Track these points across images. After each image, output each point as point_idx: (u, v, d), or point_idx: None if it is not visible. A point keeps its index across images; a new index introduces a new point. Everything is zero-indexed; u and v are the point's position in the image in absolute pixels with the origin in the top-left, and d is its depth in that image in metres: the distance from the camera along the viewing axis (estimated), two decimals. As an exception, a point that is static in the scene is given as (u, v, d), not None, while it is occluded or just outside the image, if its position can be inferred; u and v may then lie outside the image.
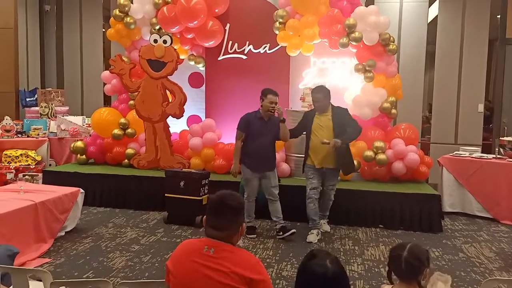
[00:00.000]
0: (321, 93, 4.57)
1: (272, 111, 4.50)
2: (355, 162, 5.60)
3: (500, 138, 5.92)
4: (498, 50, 7.42)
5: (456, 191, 5.76)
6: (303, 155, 4.77)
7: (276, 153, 5.35)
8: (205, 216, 1.98)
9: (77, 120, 7.23)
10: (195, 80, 6.74)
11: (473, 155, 5.84)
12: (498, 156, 5.73)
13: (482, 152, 6.28)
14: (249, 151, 4.60)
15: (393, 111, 5.87)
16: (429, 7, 7.25)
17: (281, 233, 4.66)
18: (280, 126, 4.60)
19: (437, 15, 7.27)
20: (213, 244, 1.90)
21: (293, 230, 4.64)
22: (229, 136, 6.17)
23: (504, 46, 7.27)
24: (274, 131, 4.61)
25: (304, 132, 4.75)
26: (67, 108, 7.65)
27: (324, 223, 4.95)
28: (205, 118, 6.44)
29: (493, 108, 7.68)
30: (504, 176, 5.41)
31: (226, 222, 1.92)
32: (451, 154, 6.01)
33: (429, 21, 7.31)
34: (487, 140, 7.51)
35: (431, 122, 7.52)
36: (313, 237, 4.63)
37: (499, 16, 7.27)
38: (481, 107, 7.17)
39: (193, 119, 6.63)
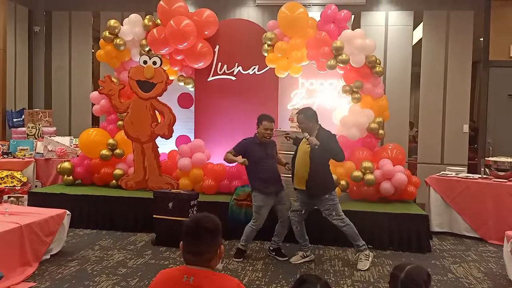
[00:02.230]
0: (302, 114, 4.50)
1: (268, 137, 4.60)
2: (344, 182, 5.65)
3: (486, 158, 6.01)
4: (482, 72, 7.61)
5: (443, 211, 5.81)
6: (287, 175, 4.80)
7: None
8: (181, 242, 1.92)
9: (65, 140, 7.16)
10: (184, 100, 6.76)
11: (460, 175, 5.92)
12: (484, 176, 5.81)
13: (468, 172, 6.36)
14: (260, 176, 4.58)
15: (381, 131, 5.95)
16: (413, 30, 7.44)
17: (273, 253, 4.72)
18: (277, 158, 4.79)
19: (421, 38, 7.46)
20: (192, 272, 1.86)
21: (285, 258, 4.64)
22: (218, 156, 6.16)
23: (487, 68, 7.46)
24: (272, 152, 4.75)
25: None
26: (54, 128, 7.59)
27: (360, 259, 4.45)
28: (194, 138, 6.44)
29: (478, 128, 7.83)
30: (490, 196, 5.48)
31: (203, 246, 1.87)
32: (438, 174, 6.08)
33: (413, 43, 7.49)
34: (473, 160, 7.62)
35: (417, 141, 7.62)
36: (295, 258, 4.62)
37: (482, 39, 7.48)
38: (466, 128, 7.31)
39: (182, 140, 6.62)
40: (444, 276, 4.31)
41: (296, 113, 4.70)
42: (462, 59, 7.25)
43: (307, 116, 4.48)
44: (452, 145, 7.30)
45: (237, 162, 4.72)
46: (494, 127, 7.45)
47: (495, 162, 5.70)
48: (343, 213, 4.51)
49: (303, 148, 4.51)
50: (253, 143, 4.65)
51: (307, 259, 4.64)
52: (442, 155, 7.35)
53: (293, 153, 4.70)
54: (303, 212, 4.59)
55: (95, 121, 8.12)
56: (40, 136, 7.34)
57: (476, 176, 5.91)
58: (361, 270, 4.38)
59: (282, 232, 4.72)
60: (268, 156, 4.67)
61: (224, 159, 4.73)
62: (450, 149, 7.31)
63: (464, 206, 5.65)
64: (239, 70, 6.41)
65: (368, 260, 4.46)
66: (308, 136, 4.36)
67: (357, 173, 5.62)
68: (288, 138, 4.74)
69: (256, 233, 4.67)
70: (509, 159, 5.63)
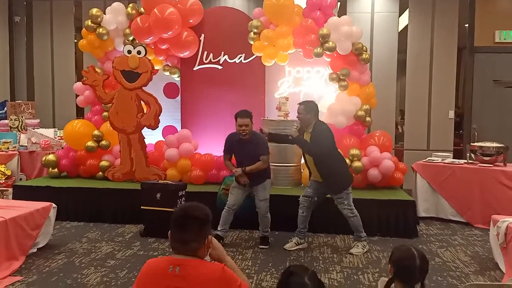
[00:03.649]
0: (303, 104, 4.49)
1: (243, 134, 4.52)
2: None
3: (471, 143, 6.08)
4: (467, 58, 7.66)
5: (430, 196, 5.87)
6: (281, 164, 4.79)
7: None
8: (169, 231, 1.91)
9: (49, 132, 7.05)
10: (170, 90, 6.69)
11: (445, 161, 5.98)
12: (470, 161, 5.88)
13: (453, 158, 6.43)
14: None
15: (368, 119, 5.96)
16: (399, 16, 7.44)
17: (259, 240, 4.72)
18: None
19: (407, 25, 7.47)
20: (178, 262, 1.84)
21: (265, 247, 4.65)
22: (205, 146, 6.14)
23: (472, 54, 7.51)
24: (253, 150, 4.58)
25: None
26: (38, 120, 7.46)
27: (356, 245, 4.58)
28: (181, 128, 6.39)
29: (463, 114, 7.91)
30: (476, 180, 5.55)
31: (190, 235, 1.85)
32: (424, 160, 6.14)
33: (399, 30, 7.50)
34: (458, 146, 7.71)
35: (403, 129, 7.68)
36: (289, 244, 4.65)
37: (467, 25, 7.52)
38: (451, 114, 7.37)
39: (168, 130, 6.56)
40: (431, 260, 4.37)
41: (298, 103, 4.58)
42: (448, 45, 7.28)
43: (306, 107, 4.47)
44: (438, 131, 7.36)
45: (233, 169, 4.66)
46: (479, 112, 7.53)
47: (480, 147, 5.76)
48: (353, 204, 4.56)
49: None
50: (234, 139, 4.65)
51: (300, 246, 4.66)
52: (428, 141, 7.42)
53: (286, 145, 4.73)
54: (315, 199, 4.62)
55: (80, 113, 7.99)
56: (24, 128, 7.21)
57: (462, 161, 5.98)
58: (353, 254, 4.47)
59: (261, 221, 4.70)
60: (245, 155, 4.57)
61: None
62: (436, 135, 7.37)
63: (450, 191, 5.72)
64: (225, 59, 6.35)
65: (363, 249, 4.55)
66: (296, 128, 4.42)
67: (345, 161, 5.64)
68: (245, 135, 4.54)
69: (232, 215, 4.63)
70: (494, 144, 5.70)
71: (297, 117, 4.59)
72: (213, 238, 1.98)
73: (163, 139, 6.25)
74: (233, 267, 2.01)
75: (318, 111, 4.55)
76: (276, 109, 6.08)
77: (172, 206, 4.84)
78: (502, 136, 6.57)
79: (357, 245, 4.57)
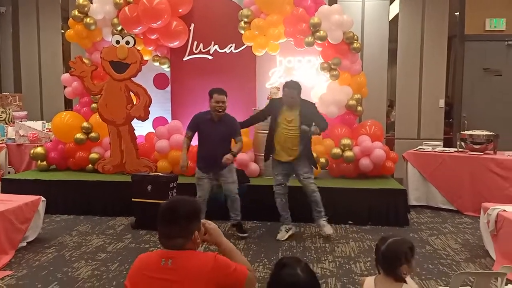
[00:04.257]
0: (296, 89, 4.46)
1: (220, 111, 4.42)
2: (323, 160, 5.68)
3: (461, 132, 6.11)
4: (457, 46, 7.67)
5: (420, 184, 5.90)
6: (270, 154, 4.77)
7: (245, 153, 5.31)
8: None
9: (37, 125, 6.96)
10: (160, 81, 6.62)
11: (436, 150, 6.01)
12: (460, 149, 5.91)
13: (444, 146, 6.46)
14: (201, 154, 4.57)
15: (359, 108, 5.96)
16: (390, 5, 7.41)
17: (235, 228, 4.69)
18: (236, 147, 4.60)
19: (398, 13, 7.44)
20: (170, 255, 1.80)
21: (245, 235, 4.63)
22: (196, 137, 6.07)
23: (463, 42, 7.52)
24: (225, 131, 4.51)
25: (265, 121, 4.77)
26: (25, 113, 7.35)
27: (324, 224, 4.60)
28: (172, 119, 6.33)
29: (453, 103, 7.94)
30: (466, 169, 5.58)
31: (176, 230, 1.81)
32: (415, 149, 6.16)
33: (390, 19, 7.47)
34: (448, 134, 7.75)
35: (394, 118, 7.69)
36: (281, 234, 4.65)
37: (457, 13, 7.52)
38: (442, 103, 7.39)
39: (159, 121, 6.50)
40: (422, 248, 4.40)
41: (287, 87, 4.48)
42: (438, 33, 7.27)
43: (299, 92, 4.49)
44: (428, 120, 7.38)
45: (183, 155, 4.55)
46: (469, 101, 7.56)
47: (470, 135, 5.79)
48: None
49: (285, 122, 4.49)
50: (204, 119, 4.51)
51: (290, 232, 4.68)
52: (419, 130, 7.44)
53: (268, 128, 4.67)
54: (287, 183, 4.67)
55: (68, 104, 7.89)
56: (11, 121, 7.11)
57: (452, 150, 6.01)
58: (330, 234, 4.55)
59: (232, 204, 4.65)
60: (216, 135, 4.44)
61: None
62: (427, 124, 7.39)
63: (441, 180, 5.76)
64: (215, 48, 6.28)
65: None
66: (307, 128, 4.39)
67: (336, 150, 5.64)
68: (221, 111, 4.47)
69: (205, 205, 4.56)
70: (484, 132, 5.73)
71: (286, 100, 4.51)
72: (206, 222, 1.94)
73: (154, 131, 6.19)
74: (231, 248, 1.97)
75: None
76: (267, 99, 6.03)
77: (163, 198, 4.80)
78: (492, 124, 6.60)
79: (324, 225, 4.61)
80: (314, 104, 4.81)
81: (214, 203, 5.05)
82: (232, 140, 4.63)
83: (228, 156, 4.45)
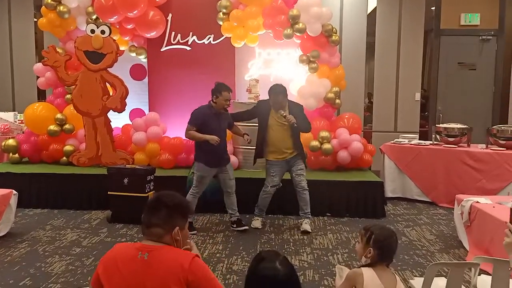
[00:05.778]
0: (281, 94, 4.54)
1: (227, 107, 4.52)
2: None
3: (437, 125, 6.21)
4: (433, 40, 7.78)
5: (396, 177, 5.99)
6: (251, 147, 4.76)
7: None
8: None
9: (8, 116, 6.78)
10: (137, 72, 6.50)
11: (412, 142, 6.10)
12: (435, 142, 6.01)
13: (419, 139, 6.57)
14: (207, 149, 4.42)
15: (337, 101, 5.98)
16: (368, -2, 7.43)
17: (235, 225, 4.68)
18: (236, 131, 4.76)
19: (376, 7, 7.48)
20: (147, 248, 1.79)
21: (246, 227, 4.65)
22: (174, 130, 6.01)
23: (438, 37, 7.63)
24: (225, 124, 4.63)
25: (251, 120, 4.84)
26: (-4, 103, 7.12)
27: (306, 222, 4.67)
28: (149, 111, 6.23)
29: (428, 96, 8.06)
30: (441, 161, 5.69)
31: (155, 219, 1.82)
32: (392, 141, 6.24)
33: (368, 12, 7.50)
34: (424, 127, 7.88)
35: (372, 111, 7.77)
36: (258, 223, 4.73)
37: (433, 8, 7.61)
38: (418, 96, 7.49)
39: (136, 113, 6.39)
40: (398, 239, 4.45)
41: (273, 93, 4.55)
42: (415, 28, 7.34)
43: (285, 95, 4.59)
44: (405, 113, 7.48)
45: (205, 139, 4.41)
46: (444, 94, 7.70)
47: (445, 128, 5.89)
48: None
49: (276, 122, 4.57)
50: (210, 112, 4.50)
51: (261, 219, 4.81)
52: (395, 123, 7.53)
53: (257, 125, 4.71)
54: (280, 185, 4.76)
55: (42, 95, 7.66)
56: (-19, 112, 6.87)
57: (427, 142, 6.11)
58: (307, 231, 4.58)
59: (231, 201, 4.68)
60: (220, 129, 4.52)
61: (188, 137, 4.60)
62: (403, 117, 7.49)
63: (416, 172, 5.85)
64: (193, 39, 6.20)
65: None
66: (285, 114, 4.47)
67: (315, 143, 5.66)
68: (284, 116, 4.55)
69: (197, 200, 4.57)
70: (458, 126, 5.84)
71: (273, 105, 4.58)
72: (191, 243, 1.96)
73: (130, 123, 6.09)
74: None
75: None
76: (246, 91, 6.01)
77: (140, 191, 4.75)
78: (466, 118, 6.75)
79: (306, 222, 4.67)
80: (302, 106, 4.86)
81: (208, 198, 5.00)
82: (228, 130, 4.75)
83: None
